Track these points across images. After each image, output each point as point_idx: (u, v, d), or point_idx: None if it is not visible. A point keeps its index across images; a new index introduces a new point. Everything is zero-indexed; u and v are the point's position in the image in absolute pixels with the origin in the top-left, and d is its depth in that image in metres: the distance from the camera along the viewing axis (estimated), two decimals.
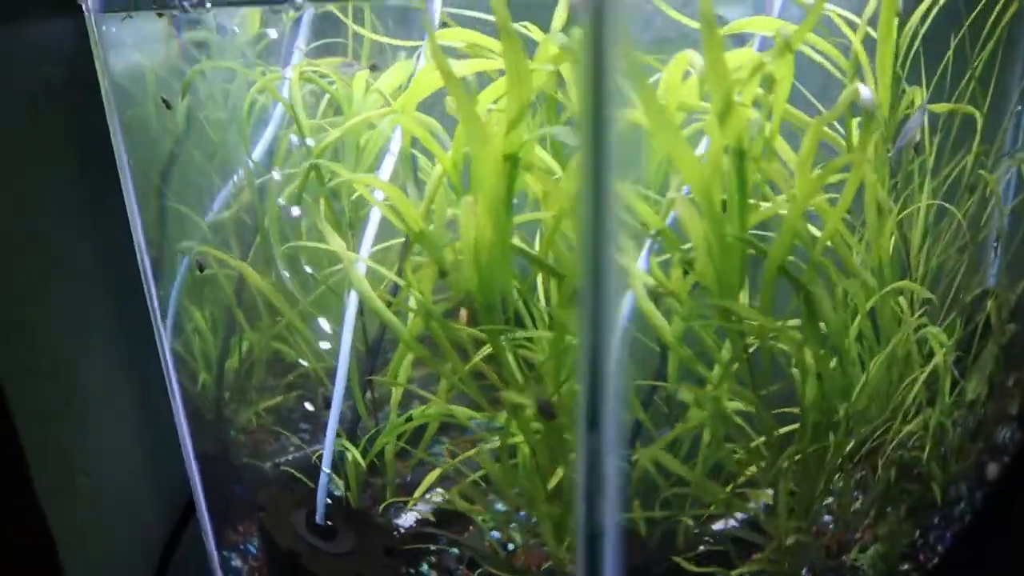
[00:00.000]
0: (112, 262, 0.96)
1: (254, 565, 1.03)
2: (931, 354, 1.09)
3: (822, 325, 0.92)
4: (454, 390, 0.83)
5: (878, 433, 1.08)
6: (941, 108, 1.09)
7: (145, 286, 0.94)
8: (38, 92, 0.87)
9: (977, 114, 1.09)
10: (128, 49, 0.86)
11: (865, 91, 0.87)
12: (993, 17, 1.10)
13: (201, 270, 0.90)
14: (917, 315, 1.07)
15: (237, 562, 1.05)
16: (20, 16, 0.82)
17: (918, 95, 1.04)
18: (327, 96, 0.85)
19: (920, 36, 1.05)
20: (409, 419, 0.85)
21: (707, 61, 0.78)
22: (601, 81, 0.51)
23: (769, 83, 0.89)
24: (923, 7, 1.03)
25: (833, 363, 0.93)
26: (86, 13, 0.83)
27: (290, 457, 0.98)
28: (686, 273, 0.91)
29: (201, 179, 0.93)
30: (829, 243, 0.98)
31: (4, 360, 0.71)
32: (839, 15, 0.97)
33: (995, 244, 1.41)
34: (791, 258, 0.91)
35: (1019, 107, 1.36)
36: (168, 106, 0.86)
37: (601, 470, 0.59)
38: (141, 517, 1.01)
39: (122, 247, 0.93)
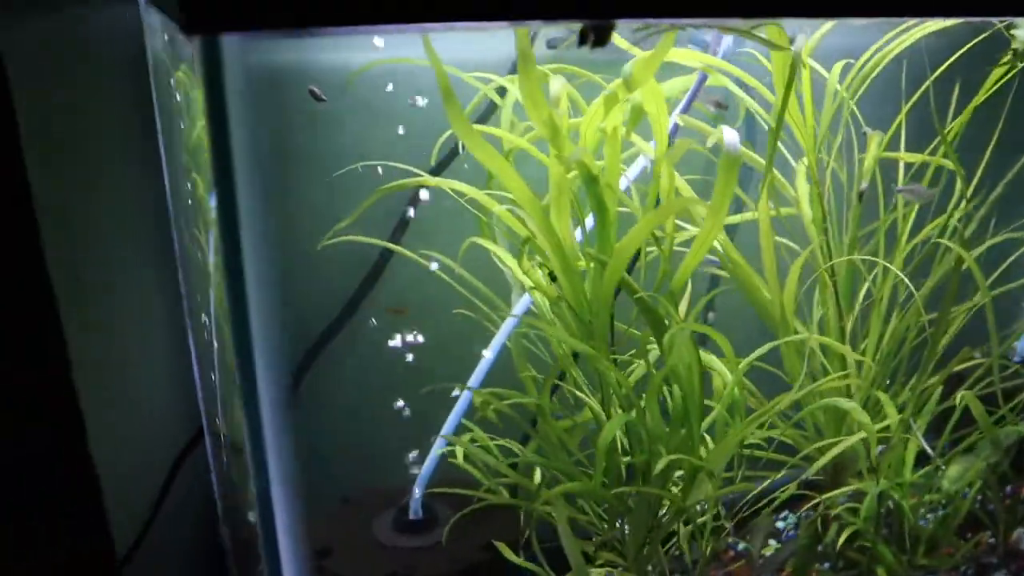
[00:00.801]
0: (161, 209, 1.11)
1: None
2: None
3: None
4: None
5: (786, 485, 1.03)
6: (908, 157, 1.00)
7: (175, 246, 1.15)
8: (109, 71, 1.00)
9: (957, 168, 0.99)
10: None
11: (730, 134, 0.87)
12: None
13: None
14: (836, 375, 1.00)
15: None
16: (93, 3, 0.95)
17: (874, 140, 0.98)
18: None
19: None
20: None
21: (523, 93, 0.85)
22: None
23: (636, 114, 0.93)
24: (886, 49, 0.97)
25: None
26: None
27: None
28: (552, 281, 0.98)
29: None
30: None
31: (59, 280, 0.86)
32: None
33: None
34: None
35: None
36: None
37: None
38: (165, 426, 1.16)
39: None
